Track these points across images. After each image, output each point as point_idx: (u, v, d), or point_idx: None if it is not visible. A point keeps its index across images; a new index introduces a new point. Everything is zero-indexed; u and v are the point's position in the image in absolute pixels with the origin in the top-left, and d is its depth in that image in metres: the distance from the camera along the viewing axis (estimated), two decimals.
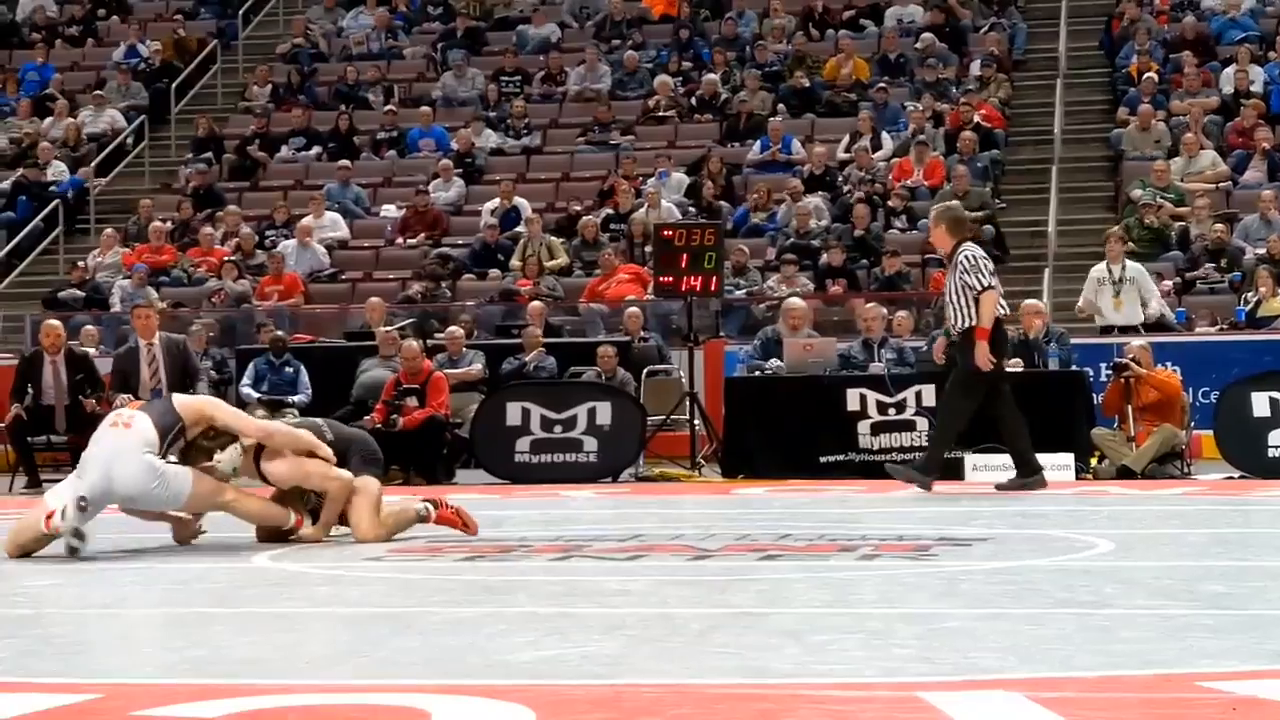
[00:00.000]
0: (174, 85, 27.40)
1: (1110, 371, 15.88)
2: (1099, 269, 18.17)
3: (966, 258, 12.30)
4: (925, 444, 14.84)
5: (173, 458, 8.56)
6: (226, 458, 8.70)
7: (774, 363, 15.89)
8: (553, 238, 22.04)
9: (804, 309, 16.67)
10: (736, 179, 23.58)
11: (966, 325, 12.32)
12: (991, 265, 12.81)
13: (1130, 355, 15.25)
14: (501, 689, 4.60)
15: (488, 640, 5.61)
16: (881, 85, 24.73)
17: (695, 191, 22.72)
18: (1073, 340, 16.26)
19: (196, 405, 8.81)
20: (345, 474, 8.95)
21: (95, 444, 8.68)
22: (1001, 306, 12.78)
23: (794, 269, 20.47)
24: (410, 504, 9.37)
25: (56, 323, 16.65)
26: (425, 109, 25.77)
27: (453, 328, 18.13)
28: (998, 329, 12.69)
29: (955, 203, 13.98)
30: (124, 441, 8.48)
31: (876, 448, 15.01)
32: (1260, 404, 14.91)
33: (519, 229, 22.40)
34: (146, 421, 8.53)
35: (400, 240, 23.13)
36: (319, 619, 6.38)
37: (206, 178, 24.74)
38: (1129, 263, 18.21)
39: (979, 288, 12.19)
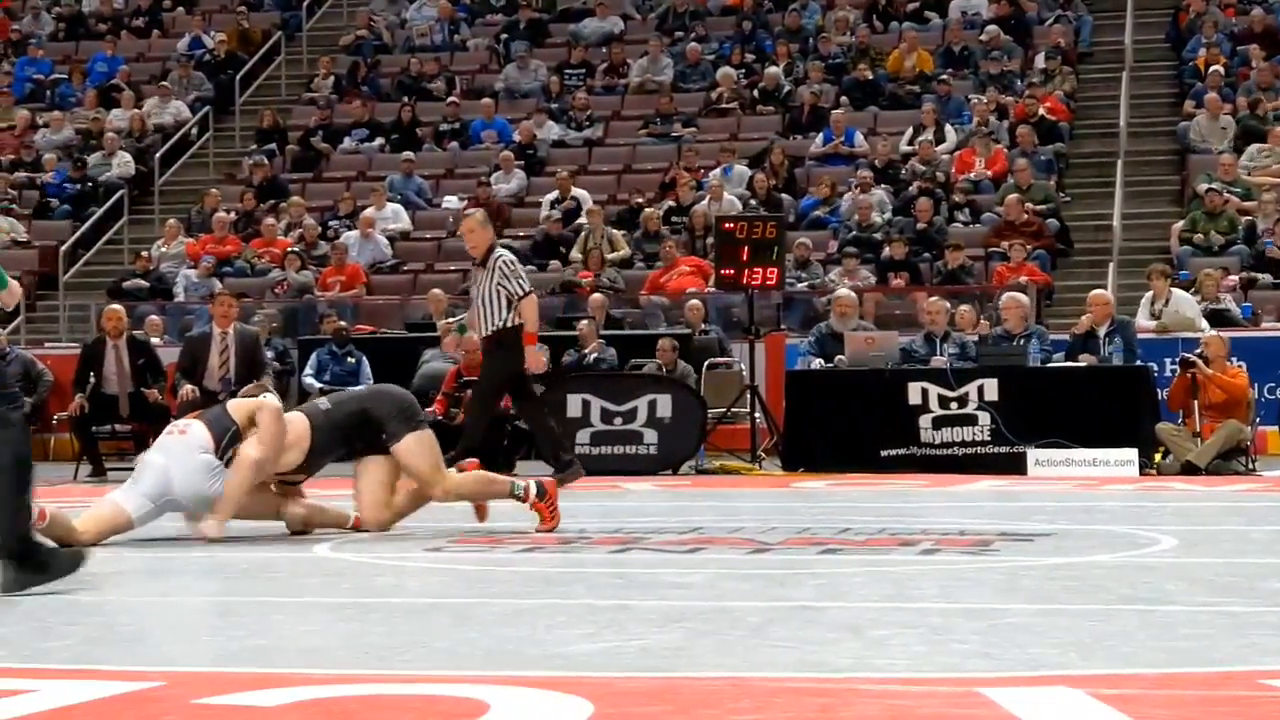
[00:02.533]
0: (238, 76, 27.56)
1: (1176, 367, 15.77)
2: (1146, 299, 18.05)
3: (505, 263, 12.24)
4: (988, 438, 14.79)
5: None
6: None
7: (837, 358, 15.83)
8: (614, 230, 22.03)
9: (852, 299, 16.61)
10: (799, 171, 23.52)
11: (496, 329, 12.18)
12: (522, 270, 12.76)
13: (1204, 345, 15.11)
14: (560, 681, 4.60)
15: (546, 632, 5.61)
16: (945, 78, 24.62)
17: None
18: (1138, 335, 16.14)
19: (249, 407, 8.93)
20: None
21: (154, 450, 9.01)
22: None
23: (856, 262, 20.41)
24: (504, 479, 9.43)
25: (118, 306, 16.73)
26: (487, 101, 25.83)
27: None
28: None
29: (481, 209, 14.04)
30: (181, 445, 8.74)
31: (938, 442, 14.95)
32: None
33: (580, 221, 22.41)
34: (201, 427, 8.86)
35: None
36: (379, 609, 6.40)
37: (270, 169, 24.86)
38: (1174, 294, 17.96)
39: (521, 293, 12.14)
